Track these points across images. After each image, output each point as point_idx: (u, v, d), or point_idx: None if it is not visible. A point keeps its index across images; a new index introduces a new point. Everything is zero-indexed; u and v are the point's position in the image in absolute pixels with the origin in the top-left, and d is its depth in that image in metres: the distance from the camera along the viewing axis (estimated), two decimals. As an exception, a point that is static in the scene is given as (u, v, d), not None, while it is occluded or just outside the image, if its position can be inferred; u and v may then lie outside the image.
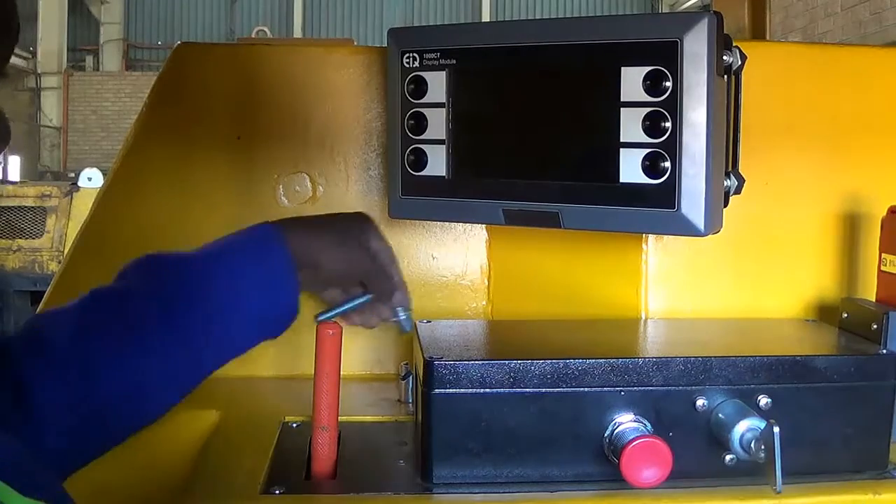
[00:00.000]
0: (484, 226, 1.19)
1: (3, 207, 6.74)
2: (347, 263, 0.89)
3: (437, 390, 0.81)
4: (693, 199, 0.86)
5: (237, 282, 0.83)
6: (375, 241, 0.92)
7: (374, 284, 0.91)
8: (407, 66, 1.00)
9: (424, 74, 0.99)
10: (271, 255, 0.85)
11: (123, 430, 0.81)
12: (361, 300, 0.92)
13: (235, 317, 0.83)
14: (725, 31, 0.88)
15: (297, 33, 17.17)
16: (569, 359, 0.82)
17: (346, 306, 0.92)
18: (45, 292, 1.14)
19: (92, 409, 0.76)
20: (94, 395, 0.77)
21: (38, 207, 6.66)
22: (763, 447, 0.76)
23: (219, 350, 0.83)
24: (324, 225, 0.91)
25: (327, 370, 0.82)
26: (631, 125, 0.88)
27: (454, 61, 0.98)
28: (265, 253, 0.85)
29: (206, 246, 0.87)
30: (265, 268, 0.84)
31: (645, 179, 0.88)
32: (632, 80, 0.87)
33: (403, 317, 0.94)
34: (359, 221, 0.93)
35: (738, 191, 0.95)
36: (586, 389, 0.81)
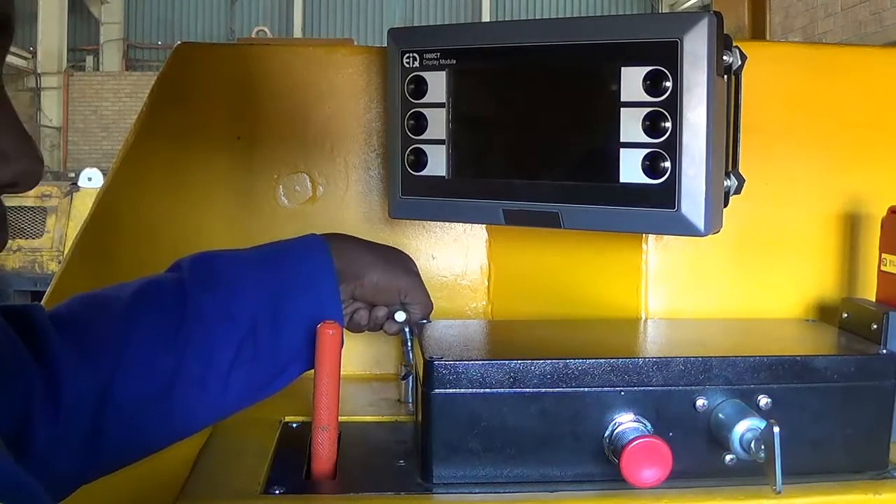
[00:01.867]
0: (484, 226, 1.19)
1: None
2: (390, 279, 0.93)
3: (437, 390, 0.81)
4: (693, 199, 0.86)
5: (281, 285, 0.87)
6: (415, 268, 0.98)
7: (414, 298, 0.96)
8: (407, 66, 1.00)
9: (424, 74, 0.99)
10: (315, 261, 0.89)
11: (143, 440, 0.81)
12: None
13: (280, 323, 0.86)
14: (725, 31, 0.88)
15: (297, 33, 17.17)
16: (569, 359, 0.82)
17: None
18: (45, 292, 1.14)
19: (116, 408, 0.76)
20: (122, 393, 0.77)
21: (38, 207, 6.67)
22: (763, 447, 0.76)
23: (256, 364, 0.85)
24: (368, 244, 0.96)
25: (327, 370, 0.82)
26: (631, 125, 0.88)
27: (454, 61, 0.98)
28: (309, 258, 0.89)
29: (254, 248, 0.91)
30: (308, 273, 0.88)
31: (645, 179, 0.88)
32: (632, 80, 0.87)
33: (409, 347, 0.99)
34: (399, 251, 1.00)
35: (738, 191, 0.95)
36: (586, 389, 0.81)
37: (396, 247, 1.03)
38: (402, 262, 0.97)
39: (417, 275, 0.98)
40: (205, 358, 0.81)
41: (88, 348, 0.76)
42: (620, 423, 0.81)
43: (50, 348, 0.74)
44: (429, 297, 0.98)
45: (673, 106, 0.86)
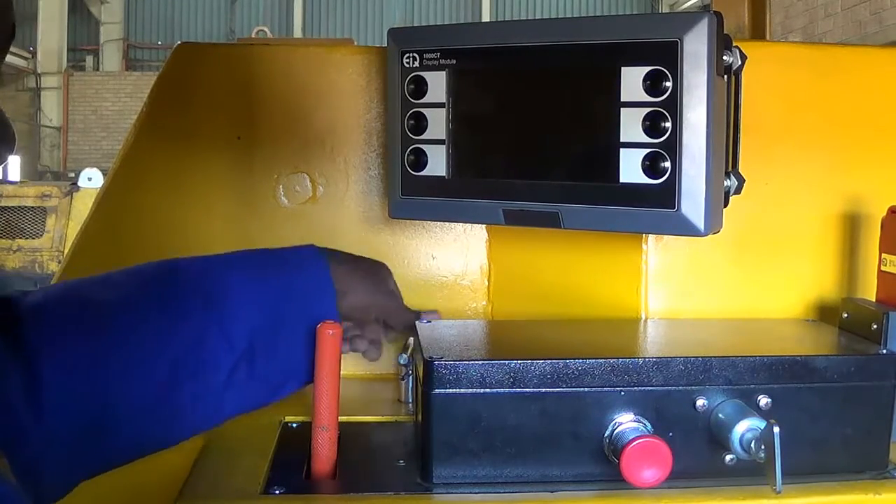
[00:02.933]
0: (484, 226, 1.19)
1: (3, 207, 6.75)
2: (371, 298, 0.95)
3: (437, 390, 0.81)
4: (693, 199, 0.86)
5: (282, 305, 0.86)
6: (394, 285, 0.99)
7: (395, 320, 0.98)
8: (407, 66, 1.00)
9: (424, 74, 0.99)
10: (314, 279, 0.89)
11: (133, 446, 0.79)
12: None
13: (278, 343, 0.85)
14: (725, 31, 0.88)
15: (297, 33, 17.17)
16: (569, 359, 0.82)
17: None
18: (45, 292, 1.14)
19: (104, 415, 0.75)
20: (108, 401, 0.75)
21: (38, 207, 6.67)
22: (763, 447, 0.76)
23: (252, 383, 0.84)
24: (353, 259, 0.97)
25: (327, 370, 0.82)
26: (631, 125, 0.88)
27: (454, 61, 0.98)
28: (309, 274, 0.89)
29: (253, 258, 0.90)
30: (308, 291, 0.88)
31: (645, 179, 0.88)
32: (632, 80, 0.87)
33: (403, 361, 1.00)
34: (382, 266, 1.00)
35: (738, 191, 0.95)
36: (586, 389, 0.81)
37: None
38: (380, 281, 0.98)
39: (395, 292, 0.98)
40: (199, 377, 0.80)
41: (70, 351, 0.74)
42: (620, 423, 0.81)
43: (29, 345, 0.72)
44: (408, 313, 0.99)
45: (673, 106, 0.86)
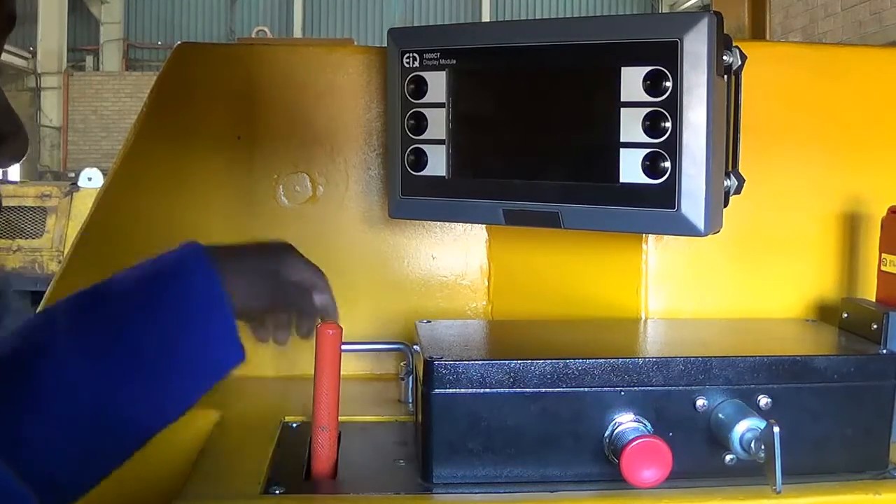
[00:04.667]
0: (484, 226, 1.19)
1: (3, 207, 6.74)
2: (260, 290, 0.83)
3: (437, 390, 0.81)
4: (693, 199, 0.86)
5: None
6: (292, 269, 0.86)
7: (299, 311, 0.87)
8: (407, 66, 1.00)
9: (424, 74, 0.99)
10: (203, 283, 0.77)
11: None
12: None
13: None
14: (725, 31, 0.88)
15: (297, 33, 17.17)
16: (569, 359, 0.82)
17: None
18: (45, 292, 1.14)
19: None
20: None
21: (38, 207, 6.67)
22: (763, 447, 0.76)
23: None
24: (237, 252, 0.84)
25: (327, 370, 0.82)
26: (631, 125, 0.88)
27: (454, 61, 0.98)
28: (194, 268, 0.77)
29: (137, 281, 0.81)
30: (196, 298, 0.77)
31: (645, 179, 0.88)
32: (632, 80, 0.87)
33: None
34: (274, 253, 0.87)
35: (738, 191, 0.95)
36: (586, 389, 0.81)
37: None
38: (271, 269, 0.84)
39: (294, 282, 0.86)
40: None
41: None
42: (620, 423, 0.81)
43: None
44: (312, 306, 0.87)
45: (673, 106, 0.86)
